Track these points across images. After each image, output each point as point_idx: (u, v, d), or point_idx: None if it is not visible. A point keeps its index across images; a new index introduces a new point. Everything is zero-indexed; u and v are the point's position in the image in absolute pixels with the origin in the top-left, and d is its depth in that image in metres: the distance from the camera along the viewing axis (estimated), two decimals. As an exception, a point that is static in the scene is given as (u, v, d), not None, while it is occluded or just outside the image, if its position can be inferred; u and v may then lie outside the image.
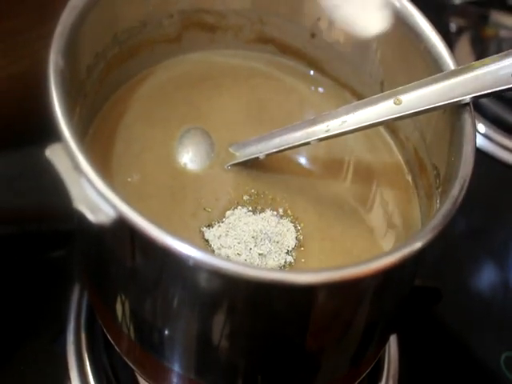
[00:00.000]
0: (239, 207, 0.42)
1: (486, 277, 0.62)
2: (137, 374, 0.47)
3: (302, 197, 0.44)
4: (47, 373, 0.48)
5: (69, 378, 0.47)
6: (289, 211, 0.43)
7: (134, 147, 0.44)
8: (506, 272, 0.62)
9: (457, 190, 0.36)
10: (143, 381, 0.47)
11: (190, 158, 0.44)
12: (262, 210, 0.42)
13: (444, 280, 0.58)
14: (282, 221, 0.42)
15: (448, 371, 0.55)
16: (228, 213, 0.42)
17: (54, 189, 0.31)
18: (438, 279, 0.57)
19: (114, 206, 0.31)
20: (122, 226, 0.32)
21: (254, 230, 0.41)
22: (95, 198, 0.32)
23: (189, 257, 0.31)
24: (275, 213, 0.42)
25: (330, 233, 0.43)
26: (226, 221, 0.41)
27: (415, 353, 0.55)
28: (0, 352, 0.48)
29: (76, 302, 0.50)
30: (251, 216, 0.42)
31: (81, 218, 0.32)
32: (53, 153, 0.33)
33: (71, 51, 0.38)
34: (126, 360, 0.42)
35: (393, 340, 0.54)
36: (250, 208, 0.42)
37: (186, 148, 0.44)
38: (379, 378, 0.51)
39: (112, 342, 0.42)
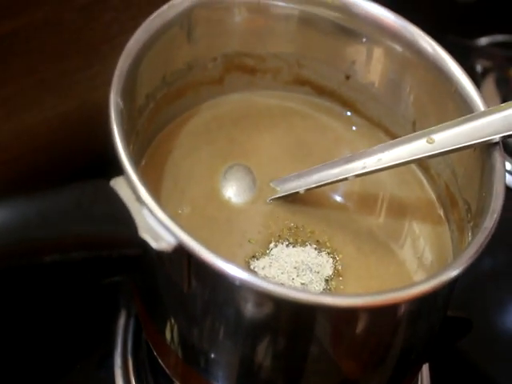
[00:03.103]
0: (281, 240, 0.45)
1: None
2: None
3: (340, 230, 0.46)
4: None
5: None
6: (328, 243, 0.45)
7: (181, 182, 0.46)
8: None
9: (489, 221, 0.38)
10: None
11: (233, 192, 0.47)
12: (303, 243, 0.45)
13: (473, 314, 0.60)
14: (321, 252, 0.45)
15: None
16: (271, 245, 0.44)
17: (122, 217, 0.34)
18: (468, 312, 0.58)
19: (174, 235, 0.34)
20: (180, 252, 0.34)
21: (295, 261, 0.43)
22: (157, 227, 0.35)
23: (241, 280, 0.34)
24: (315, 246, 0.45)
25: (367, 264, 0.45)
26: (270, 252, 0.44)
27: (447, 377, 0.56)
28: (47, 377, 0.51)
29: (122, 327, 0.52)
30: (293, 248, 0.44)
31: (144, 245, 0.34)
32: (117, 184, 0.36)
33: (128, 93, 0.41)
34: (172, 377, 0.44)
35: (425, 371, 0.55)
36: (291, 240, 0.45)
37: (230, 183, 0.47)
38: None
39: (159, 359, 0.45)
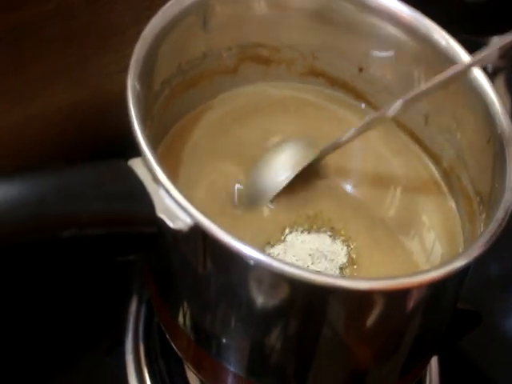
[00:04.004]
0: (296, 226, 0.45)
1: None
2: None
3: (355, 220, 0.46)
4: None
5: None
6: (342, 231, 0.45)
7: (195, 172, 0.47)
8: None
9: (502, 212, 0.39)
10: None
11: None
12: (318, 231, 0.45)
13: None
14: (336, 240, 0.45)
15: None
16: (286, 231, 0.44)
17: (139, 195, 0.34)
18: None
19: (191, 215, 0.35)
20: (196, 232, 0.35)
21: (310, 249, 0.44)
22: (174, 207, 0.35)
23: (256, 260, 0.34)
24: (329, 233, 0.45)
25: (380, 254, 0.45)
26: (285, 239, 0.44)
27: (456, 377, 0.56)
28: (58, 363, 0.51)
29: (134, 313, 0.53)
30: (307, 235, 0.45)
31: (161, 224, 0.35)
32: (134, 165, 0.36)
33: (145, 78, 0.41)
34: (184, 361, 0.44)
35: (434, 365, 0.55)
36: (306, 227, 0.45)
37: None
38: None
39: (171, 342, 0.45)
